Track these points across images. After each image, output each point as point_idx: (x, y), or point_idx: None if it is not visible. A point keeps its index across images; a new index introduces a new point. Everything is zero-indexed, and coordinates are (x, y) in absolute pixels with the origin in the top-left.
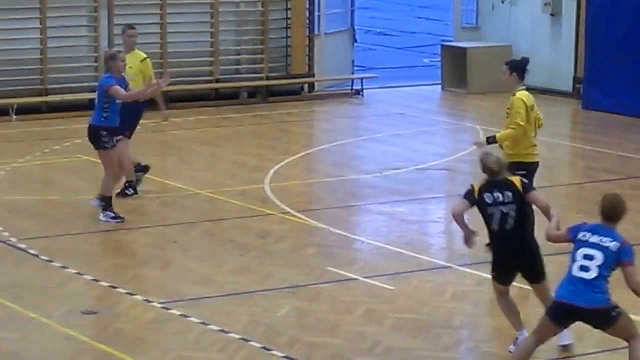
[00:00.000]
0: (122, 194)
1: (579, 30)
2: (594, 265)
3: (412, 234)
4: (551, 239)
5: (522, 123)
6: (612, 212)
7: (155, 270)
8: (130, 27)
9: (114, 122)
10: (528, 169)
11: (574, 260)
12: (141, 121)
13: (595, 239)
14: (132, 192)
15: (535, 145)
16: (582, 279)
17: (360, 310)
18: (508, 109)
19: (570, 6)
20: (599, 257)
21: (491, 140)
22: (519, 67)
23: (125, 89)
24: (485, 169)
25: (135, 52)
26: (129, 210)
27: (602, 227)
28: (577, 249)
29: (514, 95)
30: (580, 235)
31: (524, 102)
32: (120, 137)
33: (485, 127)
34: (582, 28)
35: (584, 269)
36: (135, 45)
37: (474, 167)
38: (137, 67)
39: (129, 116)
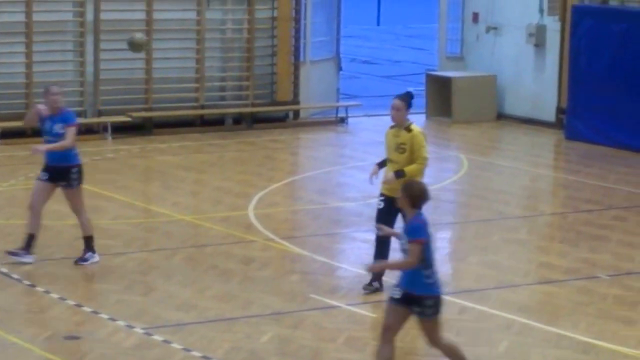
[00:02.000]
0: None
1: (563, 61)
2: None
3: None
4: (408, 264)
5: (427, 156)
6: (427, 198)
7: (138, 295)
8: None
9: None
10: None
11: (433, 256)
12: (126, 147)
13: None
14: None
15: None
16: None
17: (343, 338)
18: (403, 143)
19: (554, 37)
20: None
21: (400, 174)
22: (411, 102)
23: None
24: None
25: None
26: (112, 235)
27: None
28: (431, 244)
29: (409, 130)
30: (430, 231)
31: (423, 136)
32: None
33: (469, 155)
34: (566, 59)
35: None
36: None
37: (457, 195)
38: None
39: None
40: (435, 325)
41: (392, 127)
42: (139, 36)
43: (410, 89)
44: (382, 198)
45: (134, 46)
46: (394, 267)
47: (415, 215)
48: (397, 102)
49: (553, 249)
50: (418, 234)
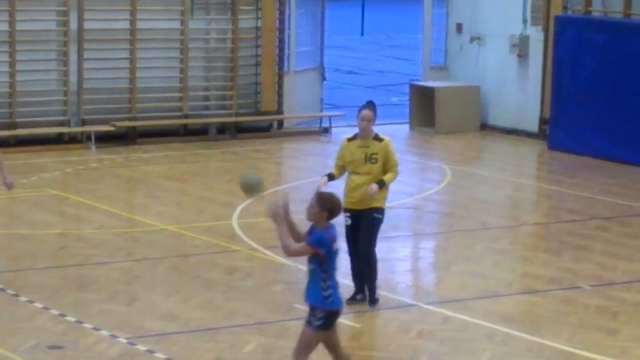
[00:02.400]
0: None
1: (546, 72)
2: None
3: (379, 271)
4: (290, 250)
5: (398, 163)
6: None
7: (121, 305)
8: None
9: None
10: (384, 215)
11: (335, 268)
12: (109, 156)
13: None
14: None
15: None
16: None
17: None
18: (375, 153)
19: (537, 47)
20: None
21: (382, 184)
22: (376, 111)
23: None
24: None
25: None
26: (95, 245)
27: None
28: (335, 257)
29: (380, 139)
30: (334, 247)
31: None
32: None
33: (452, 165)
34: (549, 69)
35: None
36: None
37: (440, 205)
38: None
39: None
40: (309, 338)
41: (351, 139)
42: (251, 179)
43: (395, 99)
44: (348, 214)
45: (249, 189)
46: (280, 236)
47: (327, 227)
48: (368, 113)
49: (536, 259)
50: (320, 245)
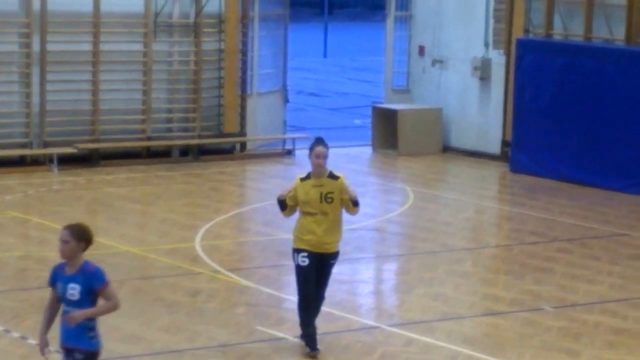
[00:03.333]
0: None
1: (508, 94)
2: None
3: (342, 293)
4: (115, 306)
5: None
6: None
7: None
8: None
9: None
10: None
11: None
12: (72, 178)
13: None
14: None
15: None
16: None
17: None
18: (331, 192)
19: (499, 71)
20: None
21: (356, 204)
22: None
23: None
24: None
25: None
26: None
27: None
28: None
29: (335, 177)
30: None
31: None
32: None
33: (415, 187)
34: (511, 92)
35: None
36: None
37: (403, 227)
38: None
39: None
40: None
41: (305, 178)
42: None
43: (357, 121)
44: (306, 254)
45: None
46: (100, 312)
47: (87, 260)
48: (323, 149)
49: (498, 281)
50: (104, 276)
